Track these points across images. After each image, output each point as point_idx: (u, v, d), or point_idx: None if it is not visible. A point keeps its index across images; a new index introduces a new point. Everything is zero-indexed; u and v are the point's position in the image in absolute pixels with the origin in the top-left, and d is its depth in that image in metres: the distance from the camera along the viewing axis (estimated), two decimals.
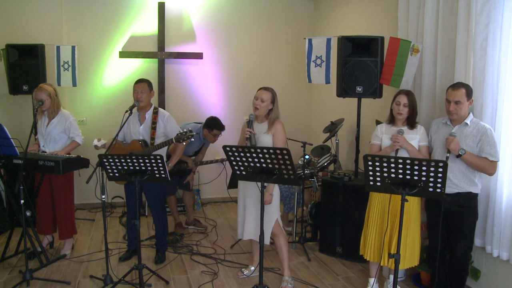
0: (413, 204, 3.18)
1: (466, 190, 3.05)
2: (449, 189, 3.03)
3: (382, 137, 3.34)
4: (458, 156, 2.97)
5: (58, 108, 4.01)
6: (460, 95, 3.00)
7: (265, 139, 3.41)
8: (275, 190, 3.45)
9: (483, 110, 3.23)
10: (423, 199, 3.34)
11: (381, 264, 3.29)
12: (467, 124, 3.05)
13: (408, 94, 3.24)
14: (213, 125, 4.69)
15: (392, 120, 3.34)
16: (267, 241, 3.44)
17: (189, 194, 5.04)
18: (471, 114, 3.11)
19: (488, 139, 2.96)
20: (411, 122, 3.25)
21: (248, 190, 3.48)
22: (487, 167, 2.97)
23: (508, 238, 3.15)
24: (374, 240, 3.30)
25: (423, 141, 3.24)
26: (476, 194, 3.10)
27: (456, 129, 3.08)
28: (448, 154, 2.96)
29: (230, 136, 5.38)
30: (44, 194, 4.02)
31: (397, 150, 3.14)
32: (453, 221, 3.10)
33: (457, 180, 3.05)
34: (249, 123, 3.41)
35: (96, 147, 3.94)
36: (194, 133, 3.67)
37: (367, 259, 3.37)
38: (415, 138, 3.22)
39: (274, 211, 3.47)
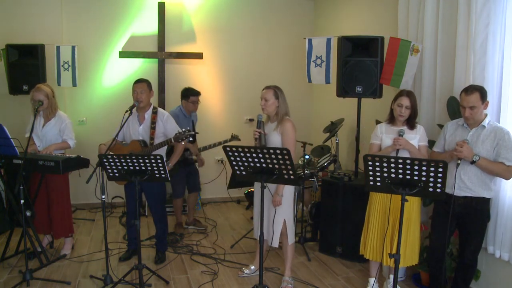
0: (414, 204, 3.18)
1: (479, 195, 3.00)
2: (461, 192, 3.02)
3: (382, 136, 3.33)
4: (472, 162, 2.92)
5: (55, 109, 4.01)
6: (474, 100, 2.92)
7: (273, 138, 3.38)
8: (287, 191, 3.41)
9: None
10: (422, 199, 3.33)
11: (384, 264, 3.29)
12: (484, 126, 2.99)
13: (410, 95, 3.22)
14: (188, 93, 4.77)
15: (391, 120, 3.33)
16: (275, 243, 3.44)
17: (194, 195, 5.09)
18: (488, 116, 3.03)
19: (505, 143, 2.89)
20: (411, 123, 3.25)
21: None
22: (503, 172, 2.91)
23: (510, 239, 3.15)
24: (375, 239, 3.30)
25: (423, 140, 3.24)
26: (489, 199, 3.06)
27: (473, 132, 3.02)
28: (459, 161, 2.92)
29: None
30: (40, 194, 4.01)
31: (397, 150, 3.14)
32: (464, 222, 3.08)
33: (472, 184, 3.00)
34: (258, 124, 3.37)
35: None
36: (189, 128, 3.67)
37: (368, 258, 3.37)
38: (415, 138, 3.22)
39: (283, 213, 3.43)
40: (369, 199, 3.39)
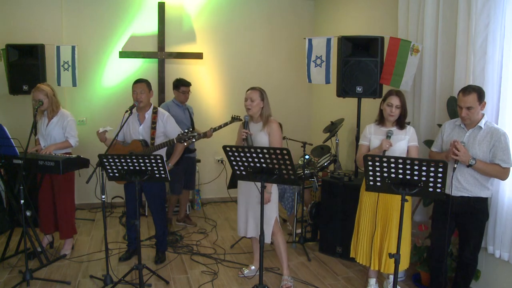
0: (405, 206, 3.14)
1: (476, 195, 3.00)
2: (458, 192, 3.02)
3: (370, 137, 3.30)
4: (469, 166, 2.92)
5: (58, 108, 4.01)
6: (471, 100, 2.91)
7: (261, 138, 3.43)
8: (273, 189, 3.46)
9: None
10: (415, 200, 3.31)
11: (372, 268, 3.27)
12: (480, 127, 2.99)
13: (399, 95, 3.18)
14: (179, 84, 4.88)
15: (381, 121, 3.30)
16: (268, 239, 3.46)
17: (187, 193, 5.17)
18: (485, 116, 3.02)
19: (501, 145, 2.89)
20: (400, 123, 3.21)
21: (248, 189, 3.48)
22: (499, 173, 2.92)
23: (509, 239, 3.15)
24: (364, 243, 3.28)
25: (413, 141, 3.19)
26: (487, 198, 3.06)
27: (469, 133, 3.01)
28: (455, 165, 2.91)
29: (230, 136, 5.38)
30: (45, 194, 4.02)
31: (384, 151, 3.08)
32: (463, 221, 3.08)
33: (468, 185, 3.00)
34: (245, 124, 3.46)
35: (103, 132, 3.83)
36: (191, 129, 3.69)
37: (359, 262, 3.35)
38: (405, 139, 3.18)
39: (273, 210, 3.47)
40: (358, 203, 3.37)
